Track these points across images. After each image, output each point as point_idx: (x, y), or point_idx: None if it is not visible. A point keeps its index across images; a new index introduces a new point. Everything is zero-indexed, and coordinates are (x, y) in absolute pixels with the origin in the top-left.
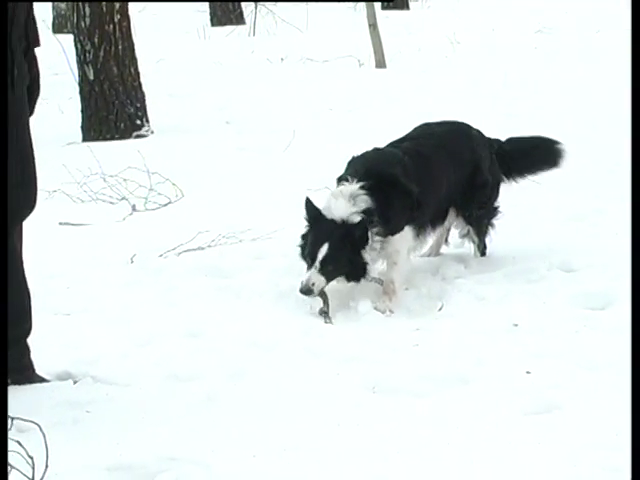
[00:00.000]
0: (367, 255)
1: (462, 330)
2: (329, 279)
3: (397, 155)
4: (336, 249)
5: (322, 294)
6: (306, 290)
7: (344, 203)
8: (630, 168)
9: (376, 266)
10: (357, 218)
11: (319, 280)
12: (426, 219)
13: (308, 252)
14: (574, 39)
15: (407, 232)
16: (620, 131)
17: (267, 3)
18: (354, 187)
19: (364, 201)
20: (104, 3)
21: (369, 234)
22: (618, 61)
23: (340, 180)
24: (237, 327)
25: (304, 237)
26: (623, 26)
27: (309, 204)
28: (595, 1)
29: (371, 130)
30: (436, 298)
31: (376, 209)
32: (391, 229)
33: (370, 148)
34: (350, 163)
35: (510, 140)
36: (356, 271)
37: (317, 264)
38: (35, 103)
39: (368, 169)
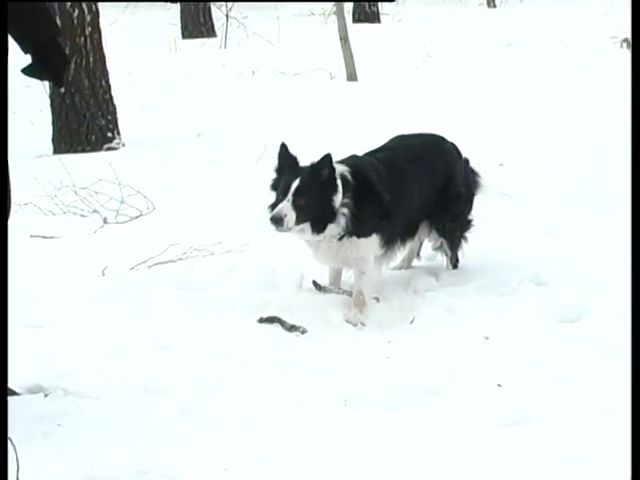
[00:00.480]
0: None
1: (434, 343)
2: (300, 215)
3: (373, 162)
4: (308, 183)
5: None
6: (277, 219)
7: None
8: (630, 175)
9: (343, 279)
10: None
11: (290, 213)
12: (395, 230)
13: (281, 187)
14: (544, 53)
15: (374, 239)
16: (591, 144)
17: (238, 16)
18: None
19: (349, 185)
20: (75, 16)
21: (337, 182)
22: (588, 74)
23: None
24: (209, 340)
25: (278, 174)
26: (592, 41)
27: (284, 149)
28: (565, 18)
29: (343, 143)
30: (407, 311)
31: (348, 204)
32: (358, 231)
33: (347, 155)
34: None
35: None
36: (324, 214)
37: (290, 196)
38: None
39: (347, 168)
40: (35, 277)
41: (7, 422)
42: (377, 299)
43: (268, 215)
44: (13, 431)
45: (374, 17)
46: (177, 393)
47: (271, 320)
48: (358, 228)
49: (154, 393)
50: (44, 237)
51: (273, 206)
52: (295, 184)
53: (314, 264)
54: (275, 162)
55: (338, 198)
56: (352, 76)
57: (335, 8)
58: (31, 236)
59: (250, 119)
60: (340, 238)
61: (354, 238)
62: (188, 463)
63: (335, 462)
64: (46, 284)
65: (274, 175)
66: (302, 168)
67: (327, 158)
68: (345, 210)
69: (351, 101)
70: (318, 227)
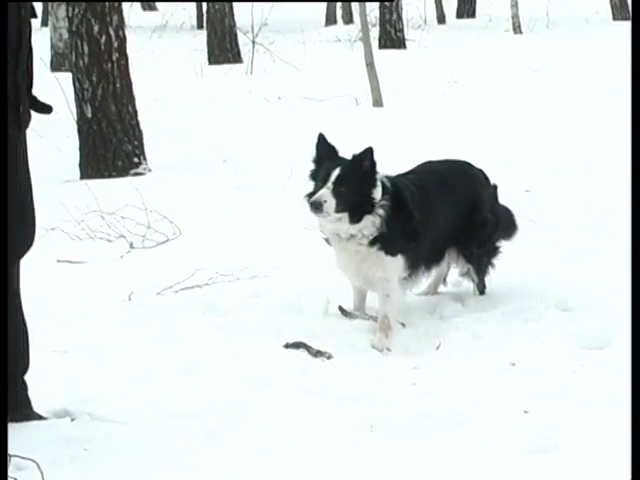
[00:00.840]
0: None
1: (460, 369)
2: (339, 203)
3: (405, 182)
4: (349, 173)
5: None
6: (317, 205)
7: None
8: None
9: (368, 304)
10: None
11: (330, 199)
12: (420, 254)
13: (321, 175)
14: (570, 79)
15: (399, 260)
16: (617, 171)
17: (265, 42)
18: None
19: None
20: (102, 42)
21: (376, 172)
22: (614, 100)
23: None
24: (234, 365)
25: (317, 164)
26: (618, 67)
27: (323, 139)
28: (591, 44)
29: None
30: (434, 336)
31: (385, 206)
32: (385, 246)
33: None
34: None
35: None
36: (363, 205)
37: (330, 184)
38: None
39: (385, 176)
40: (61, 302)
41: (7, 422)
42: (403, 324)
43: (307, 201)
44: (39, 455)
45: (400, 43)
46: (203, 418)
47: (297, 345)
48: (386, 242)
49: (180, 418)
50: (71, 262)
51: (312, 194)
52: (336, 172)
53: (340, 290)
54: (313, 153)
55: (377, 192)
56: (378, 102)
57: (361, 34)
58: (58, 261)
59: (276, 145)
60: (371, 243)
61: (381, 253)
62: None
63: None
64: (72, 309)
65: (312, 166)
66: (342, 158)
67: (369, 150)
68: (381, 211)
69: (377, 127)
70: (356, 217)
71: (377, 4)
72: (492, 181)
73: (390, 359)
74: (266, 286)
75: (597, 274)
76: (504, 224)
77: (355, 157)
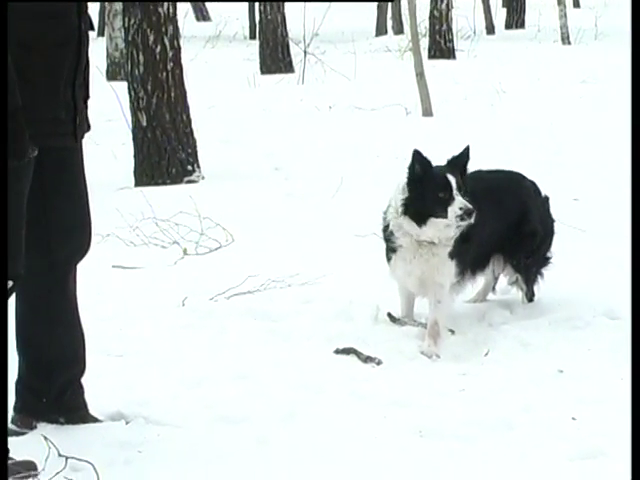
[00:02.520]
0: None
1: (508, 376)
2: (471, 207)
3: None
4: (459, 178)
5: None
6: (470, 212)
7: None
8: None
9: (415, 311)
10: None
11: (468, 206)
12: (467, 260)
13: (435, 184)
14: (619, 89)
15: (451, 266)
16: None
17: (316, 52)
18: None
19: None
20: (157, 52)
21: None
22: None
23: None
24: (285, 370)
25: (411, 189)
26: None
27: (419, 155)
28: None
29: None
30: (482, 343)
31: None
32: (450, 252)
33: None
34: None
35: None
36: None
37: (455, 192)
38: None
39: None
40: (116, 307)
41: (7, 422)
42: (452, 331)
43: (459, 212)
44: (95, 457)
45: (449, 53)
46: (255, 422)
47: (347, 351)
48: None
49: (232, 422)
50: (125, 268)
51: (432, 210)
52: (453, 180)
53: (389, 296)
54: (412, 165)
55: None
56: (428, 111)
57: (411, 44)
58: (113, 266)
59: (327, 153)
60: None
61: (446, 257)
62: None
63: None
64: (127, 314)
65: (412, 176)
66: (443, 167)
67: (467, 149)
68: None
69: (427, 136)
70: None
71: (427, 14)
72: (544, 193)
73: (439, 365)
74: (316, 292)
75: None
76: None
77: (453, 161)
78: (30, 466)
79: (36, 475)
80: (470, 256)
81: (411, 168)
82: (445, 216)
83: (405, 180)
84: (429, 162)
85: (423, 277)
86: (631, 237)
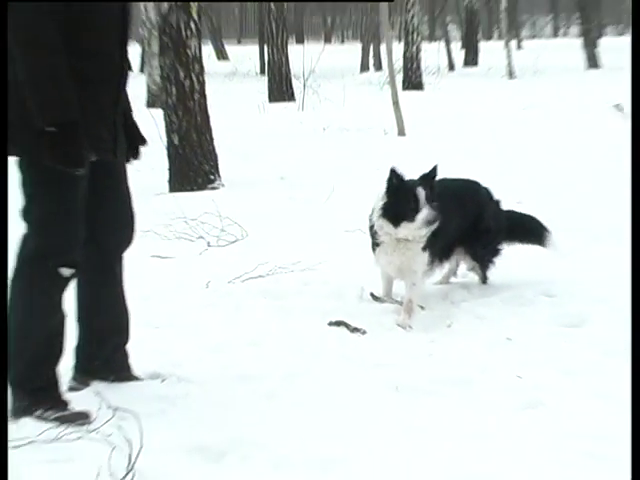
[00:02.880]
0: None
1: (467, 343)
2: (435, 214)
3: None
4: (429, 190)
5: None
6: (433, 219)
7: None
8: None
9: (394, 291)
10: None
11: (433, 213)
12: (437, 251)
13: (407, 196)
14: (553, 114)
15: (424, 256)
16: (593, 186)
17: (313, 85)
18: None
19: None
20: (187, 85)
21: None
22: (587, 132)
23: None
24: (289, 338)
25: (389, 197)
26: (592, 106)
27: (395, 172)
28: (568, 87)
29: None
30: (446, 317)
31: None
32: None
33: None
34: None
35: (510, 212)
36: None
37: (423, 202)
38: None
39: None
40: (154, 288)
41: (7, 423)
42: (422, 307)
43: (425, 219)
44: (137, 408)
45: (419, 86)
46: (264, 380)
47: (338, 323)
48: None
49: (246, 380)
50: (161, 257)
51: (405, 216)
52: (421, 193)
53: (371, 280)
54: (390, 183)
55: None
56: (402, 132)
57: (389, 79)
58: (151, 256)
59: (321, 166)
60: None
61: (419, 250)
62: (274, 435)
63: (389, 435)
64: (162, 294)
65: (389, 189)
66: (415, 180)
67: (435, 167)
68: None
69: (401, 152)
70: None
71: (401, 54)
72: (495, 197)
73: (411, 334)
74: (314, 277)
75: (577, 269)
76: (522, 230)
77: (424, 176)
78: (85, 415)
79: (90, 423)
80: (438, 248)
81: (389, 181)
82: (414, 221)
83: (384, 190)
84: (402, 177)
85: (401, 266)
86: (631, 237)
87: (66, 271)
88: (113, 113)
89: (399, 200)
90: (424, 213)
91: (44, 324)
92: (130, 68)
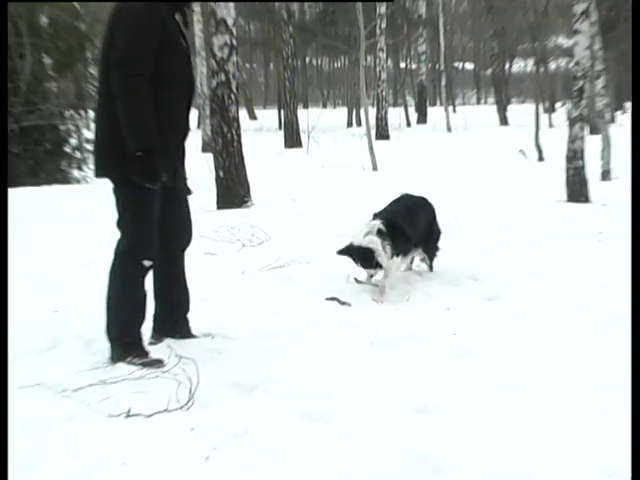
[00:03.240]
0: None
1: (419, 311)
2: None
3: (402, 212)
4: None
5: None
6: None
7: (371, 235)
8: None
9: (375, 277)
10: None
11: (375, 240)
12: (407, 251)
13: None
14: (476, 155)
15: (399, 261)
16: (510, 203)
17: (314, 136)
18: (380, 225)
19: (384, 233)
20: (228, 137)
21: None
22: (501, 167)
23: (374, 218)
24: (298, 309)
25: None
26: (499, 149)
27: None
28: (488, 138)
29: (371, 202)
30: (405, 294)
31: (389, 240)
32: (396, 252)
33: (386, 206)
34: (376, 214)
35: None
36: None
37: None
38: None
39: (388, 219)
40: (206, 274)
41: (7, 418)
42: (390, 288)
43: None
44: (195, 355)
45: (387, 137)
46: (281, 337)
47: (332, 299)
48: (396, 251)
49: (268, 337)
50: (211, 254)
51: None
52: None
53: (355, 269)
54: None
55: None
56: (375, 168)
57: (366, 132)
58: (204, 253)
59: (320, 190)
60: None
61: (394, 257)
62: (288, 375)
63: (366, 374)
64: (212, 279)
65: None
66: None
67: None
68: (388, 248)
69: (374, 181)
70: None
71: (374, 115)
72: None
73: (383, 306)
74: (315, 267)
75: (495, 261)
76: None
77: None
78: (160, 361)
79: (163, 366)
80: (408, 249)
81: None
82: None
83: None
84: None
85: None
86: (631, 237)
87: (147, 263)
88: (176, 155)
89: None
90: (365, 239)
91: (132, 299)
92: (189, 127)
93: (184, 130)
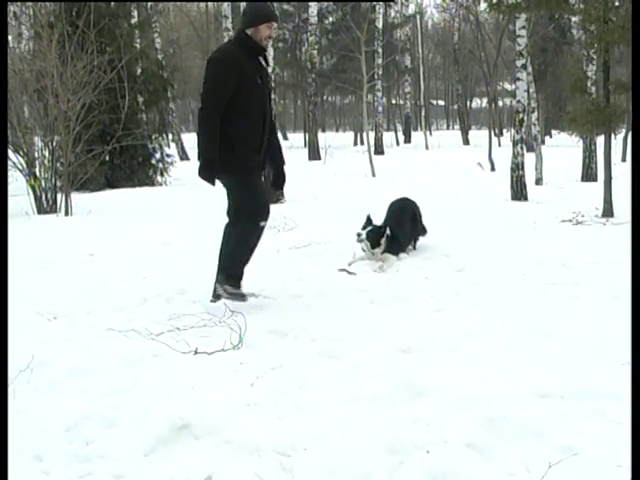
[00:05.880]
0: (377, 249)
1: (405, 279)
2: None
3: (400, 221)
4: (375, 230)
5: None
6: (359, 235)
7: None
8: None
9: (379, 264)
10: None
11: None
12: (404, 244)
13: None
14: (450, 167)
15: (394, 257)
16: (472, 206)
17: (330, 151)
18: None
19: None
20: None
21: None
22: (468, 176)
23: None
24: (318, 277)
25: (362, 228)
26: (466, 162)
27: (369, 218)
28: (456, 154)
29: (371, 201)
30: (395, 267)
31: (385, 243)
32: (395, 253)
33: (387, 213)
34: (382, 225)
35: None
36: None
37: (362, 232)
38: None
39: (392, 229)
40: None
41: (7, 418)
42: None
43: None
44: (244, 310)
45: (382, 152)
46: (307, 297)
47: (342, 270)
48: (392, 251)
49: (297, 297)
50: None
51: (359, 234)
52: (368, 229)
53: (358, 248)
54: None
55: (383, 239)
56: (374, 175)
57: (367, 149)
58: None
59: (335, 191)
60: (382, 252)
61: (390, 254)
62: (311, 325)
63: (367, 323)
64: (256, 255)
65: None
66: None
67: (384, 228)
68: (383, 244)
69: (373, 185)
70: (373, 245)
71: (373, 137)
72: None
73: (379, 275)
74: (331, 246)
75: (460, 242)
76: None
77: (375, 226)
78: (245, 297)
79: (245, 301)
80: (402, 250)
81: (367, 220)
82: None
83: (365, 224)
84: (372, 220)
85: (380, 259)
86: (631, 237)
87: (262, 223)
88: (259, 156)
89: (372, 234)
90: (382, 246)
91: (247, 247)
92: (265, 140)
93: (260, 142)
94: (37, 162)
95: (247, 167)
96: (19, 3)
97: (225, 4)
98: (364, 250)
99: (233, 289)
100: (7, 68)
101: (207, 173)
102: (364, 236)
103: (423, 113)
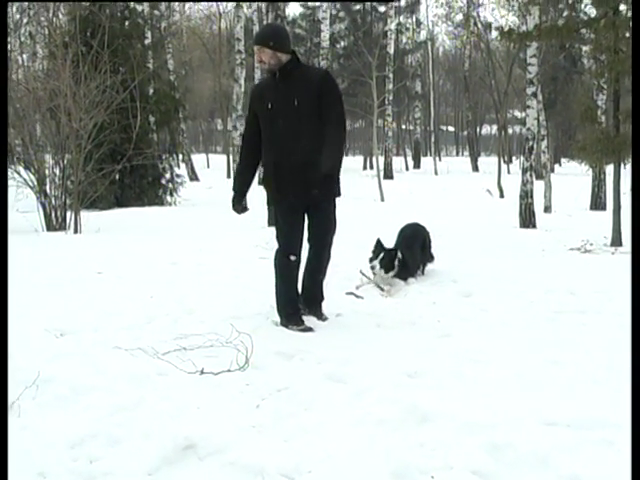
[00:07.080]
0: (391, 272)
1: (413, 303)
2: (382, 266)
3: (406, 244)
4: (387, 255)
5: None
6: (373, 267)
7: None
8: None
9: (386, 288)
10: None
11: (378, 265)
12: (413, 269)
13: (377, 253)
14: (460, 192)
15: (402, 282)
16: (480, 232)
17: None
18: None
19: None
20: None
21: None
22: (476, 202)
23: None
24: (326, 299)
25: (373, 252)
26: (473, 191)
27: (379, 241)
28: (465, 180)
29: (380, 225)
30: (404, 292)
31: (397, 267)
32: (403, 278)
33: (397, 239)
34: (394, 248)
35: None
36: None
37: (377, 263)
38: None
39: (403, 254)
40: (261, 273)
41: (7, 418)
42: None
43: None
44: (250, 331)
45: (391, 177)
46: (313, 320)
47: (350, 293)
48: (401, 276)
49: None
50: (263, 258)
51: (371, 260)
52: (381, 255)
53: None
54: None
55: (395, 263)
56: (383, 199)
57: (376, 173)
58: (259, 257)
59: (344, 214)
60: (394, 276)
61: (399, 279)
62: (318, 347)
63: (372, 345)
64: (265, 275)
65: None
66: (383, 247)
67: (394, 251)
68: (396, 267)
69: (383, 209)
70: (387, 270)
71: (382, 161)
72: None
73: (387, 300)
74: (339, 269)
75: (468, 268)
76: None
77: (388, 250)
78: (310, 328)
79: (312, 331)
80: (410, 276)
81: (377, 244)
82: (393, 271)
83: (376, 248)
84: (383, 244)
85: (389, 283)
86: (631, 241)
87: (292, 257)
88: (289, 184)
89: (385, 259)
90: (396, 269)
91: (285, 284)
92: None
93: (277, 164)
94: (48, 180)
95: (274, 199)
96: (34, 23)
97: (238, 27)
98: (374, 273)
99: (298, 327)
100: (7, 68)
101: (231, 204)
102: (377, 269)
103: (433, 139)
